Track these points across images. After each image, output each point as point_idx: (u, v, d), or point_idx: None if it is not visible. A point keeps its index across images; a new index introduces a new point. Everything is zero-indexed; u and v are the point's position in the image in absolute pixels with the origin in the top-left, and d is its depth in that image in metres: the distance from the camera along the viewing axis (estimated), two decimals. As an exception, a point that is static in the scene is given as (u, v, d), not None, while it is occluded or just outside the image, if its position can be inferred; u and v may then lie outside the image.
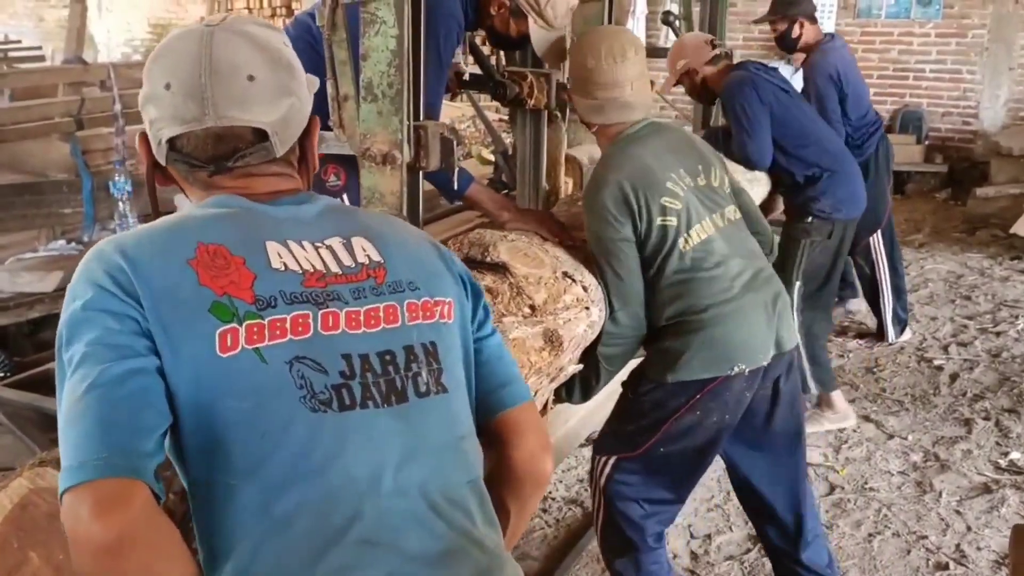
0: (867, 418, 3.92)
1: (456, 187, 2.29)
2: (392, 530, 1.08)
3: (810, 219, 3.62)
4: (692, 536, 3.09)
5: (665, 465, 2.26)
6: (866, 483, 3.41)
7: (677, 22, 4.58)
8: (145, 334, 1.05)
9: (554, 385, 2.14)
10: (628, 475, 2.27)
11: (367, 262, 1.19)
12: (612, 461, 2.29)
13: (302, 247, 1.16)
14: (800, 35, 4.56)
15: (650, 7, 9.04)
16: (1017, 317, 5.17)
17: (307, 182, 1.30)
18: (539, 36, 2.56)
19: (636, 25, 8.95)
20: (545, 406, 2.19)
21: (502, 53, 3.12)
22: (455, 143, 2.10)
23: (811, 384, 3.74)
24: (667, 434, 2.20)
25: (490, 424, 1.29)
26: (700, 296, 2.17)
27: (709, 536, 3.09)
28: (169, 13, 11.38)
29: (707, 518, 3.19)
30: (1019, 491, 3.32)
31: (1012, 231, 6.63)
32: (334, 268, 1.16)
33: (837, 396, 3.82)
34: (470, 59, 2.92)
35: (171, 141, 1.18)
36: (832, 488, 3.38)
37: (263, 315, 1.08)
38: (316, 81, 1.31)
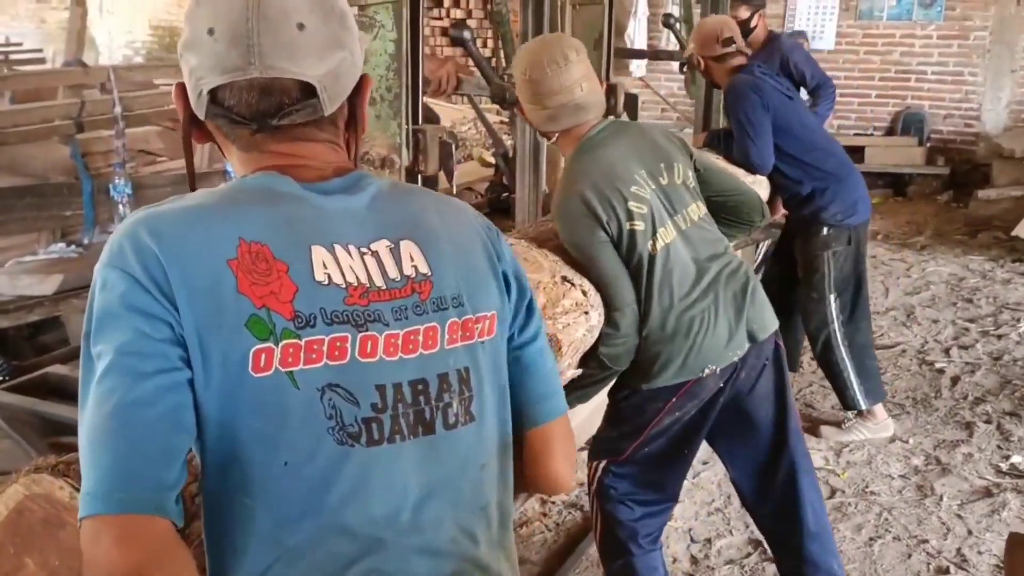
0: (868, 421, 3.91)
1: None
2: (402, 561, 1.08)
3: (826, 230, 3.58)
4: (692, 540, 3.09)
5: (652, 465, 2.33)
6: (867, 487, 3.41)
7: (678, 24, 4.59)
8: (178, 341, 1.00)
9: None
10: (618, 479, 2.35)
11: (413, 274, 1.13)
12: (603, 466, 2.37)
13: (348, 253, 1.10)
14: (757, 25, 4.60)
15: (651, 9, 9.06)
16: (1019, 320, 5.16)
17: (355, 149, 1.21)
18: None
19: (638, 27, 8.97)
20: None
21: (502, 54, 3.12)
22: (453, 147, 2.11)
23: (860, 399, 3.68)
24: (649, 436, 2.29)
25: (519, 435, 1.26)
26: (664, 307, 2.19)
27: (709, 540, 3.08)
28: (171, 15, 11.36)
29: (707, 522, 3.19)
30: (1020, 495, 3.31)
31: (1014, 234, 6.63)
32: (378, 281, 1.10)
33: (878, 406, 3.77)
34: (470, 62, 2.91)
35: (212, 93, 1.08)
36: (833, 492, 3.37)
37: (300, 335, 1.03)
38: (367, 38, 1.22)
